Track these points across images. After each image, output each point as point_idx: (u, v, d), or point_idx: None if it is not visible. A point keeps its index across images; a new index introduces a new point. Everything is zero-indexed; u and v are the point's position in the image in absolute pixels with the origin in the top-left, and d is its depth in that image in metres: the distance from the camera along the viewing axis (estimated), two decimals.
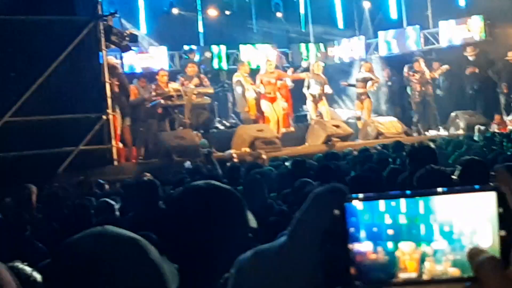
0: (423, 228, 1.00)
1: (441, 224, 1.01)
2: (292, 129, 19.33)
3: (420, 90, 19.87)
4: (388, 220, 1.00)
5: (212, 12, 23.44)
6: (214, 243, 2.21)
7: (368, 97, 19.82)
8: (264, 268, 0.96)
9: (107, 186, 11.40)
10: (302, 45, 24.27)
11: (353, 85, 20.26)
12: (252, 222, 2.38)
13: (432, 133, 19.36)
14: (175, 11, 22.78)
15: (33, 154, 13.70)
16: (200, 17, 23.40)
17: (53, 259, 1.71)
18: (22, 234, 6.79)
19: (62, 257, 1.64)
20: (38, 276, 2.95)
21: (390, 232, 0.99)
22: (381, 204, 1.00)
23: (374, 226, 0.99)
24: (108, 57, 16.33)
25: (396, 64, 21.66)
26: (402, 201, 1.01)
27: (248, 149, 16.53)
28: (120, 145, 15.67)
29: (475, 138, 14.62)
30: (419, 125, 19.91)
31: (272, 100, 18.56)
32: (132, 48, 16.93)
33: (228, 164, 12.41)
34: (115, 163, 15.01)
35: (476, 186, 1.03)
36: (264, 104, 18.53)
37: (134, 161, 15.88)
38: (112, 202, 7.80)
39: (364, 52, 23.45)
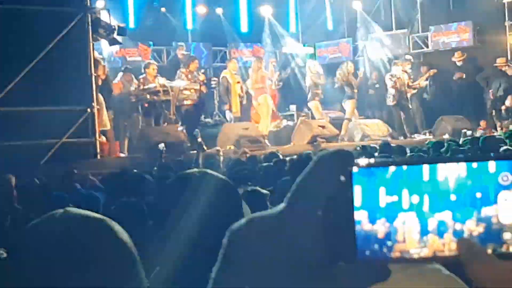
0: (426, 197, 0.91)
1: (444, 192, 0.91)
2: (282, 122, 19.32)
3: (395, 94, 19.73)
4: (387, 187, 0.90)
5: (201, 10, 23.33)
6: (208, 231, 2.11)
7: (352, 98, 19.79)
8: (260, 236, 0.87)
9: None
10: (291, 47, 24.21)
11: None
12: (247, 212, 2.29)
13: (418, 136, 19.32)
14: (163, 8, 22.68)
15: (16, 145, 13.55)
16: (189, 14, 23.27)
17: (15, 242, 1.64)
18: (2, 224, 6.71)
19: (25, 239, 1.57)
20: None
21: (389, 200, 0.90)
22: (380, 171, 0.91)
23: (371, 193, 0.90)
24: (97, 50, 16.23)
25: (383, 67, 21.64)
26: (404, 168, 0.91)
27: (233, 147, 16.46)
28: (104, 139, 15.54)
29: (460, 142, 14.58)
30: (405, 129, 19.83)
31: (265, 92, 18.64)
32: (120, 41, 16.79)
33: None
34: (98, 157, 14.88)
35: (491, 154, 0.94)
36: (261, 97, 18.54)
37: (117, 155, 15.74)
38: (97, 195, 7.70)
39: (352, 54, 23.43)
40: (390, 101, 19.85)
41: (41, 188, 8.86)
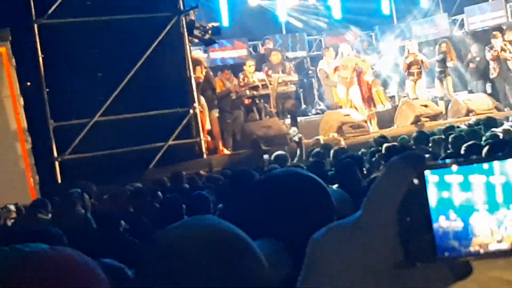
0: (500, 191, 0.94)
1: None
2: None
3: (495, 66, 19.27)
4: (460, 183, 0.94)
5: (294, 1, 23.32)
6: (296, 231, 2.09)
7: (448, 75, 19.48)
8: (339, 244, 0.92)
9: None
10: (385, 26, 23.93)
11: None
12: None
13: None
14: (253, 2, 22.74)
15: (124, 152, 13.94)
16: (280, 6, 23.29)
17: (146, 248, 1.62)
18: (117, 230, 6.91)
19: (155, 246, 1.55)
20: (130, 272, 2.94)
21: (463, 196, 0.93)
22: (453, 168, 0.94)
23: (446, 191, 0.93)
24: (194, 51, 16.48)
25: (483, 39, 21.12)
26: (475, 165, 0.95)
27: (336, 134, 16.46)
28: (209, 138, 15.78)
29: None
30: (510, 99, 19.33)
31: (349, 84, 18.31)
32: (215, 41, 17.01)
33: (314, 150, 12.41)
34: (205, 156, 15.13)
35: None
36: (340, 90, 18.33)
37: (223, 153, 15.96)
38: (207, 195, 7.82)
39: (449, 28, 22.97)
40: (491, 74, 19.43)
41: (152, 191, 9.10)
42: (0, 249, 1.48)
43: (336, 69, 18.36)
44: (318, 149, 12.22)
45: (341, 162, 8.18)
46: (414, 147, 10.33)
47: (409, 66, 19.10)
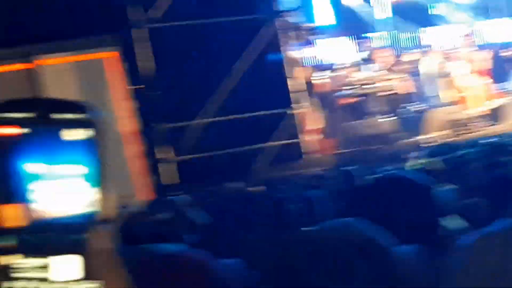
0: None
1: None
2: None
3: None
4: None
5: None
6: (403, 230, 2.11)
7: None
8: (492, 250, 0.79)
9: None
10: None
11: None
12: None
13: None
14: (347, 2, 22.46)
15: (225, 154, 14.00)
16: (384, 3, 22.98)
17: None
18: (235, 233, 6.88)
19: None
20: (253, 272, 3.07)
21: None
22: None
23: None
24: (293, 52, 16.43)
25: None
26: None
27: (440, 133, 16.15)
28: (311, 138, 15.71)
29: None
30: None
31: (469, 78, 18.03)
32: (312, 41, 16.94)
33: None
34: (305, 156, 15.04)
35: None
36: (460, 79, 17.96)
37: (326, 153, 15.85)
38: (310, 196, 7.69)
39: None
40: None
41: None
42: (144, 246, 1.75)
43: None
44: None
45: (459, 159, 7.89)
46: None
47: None
